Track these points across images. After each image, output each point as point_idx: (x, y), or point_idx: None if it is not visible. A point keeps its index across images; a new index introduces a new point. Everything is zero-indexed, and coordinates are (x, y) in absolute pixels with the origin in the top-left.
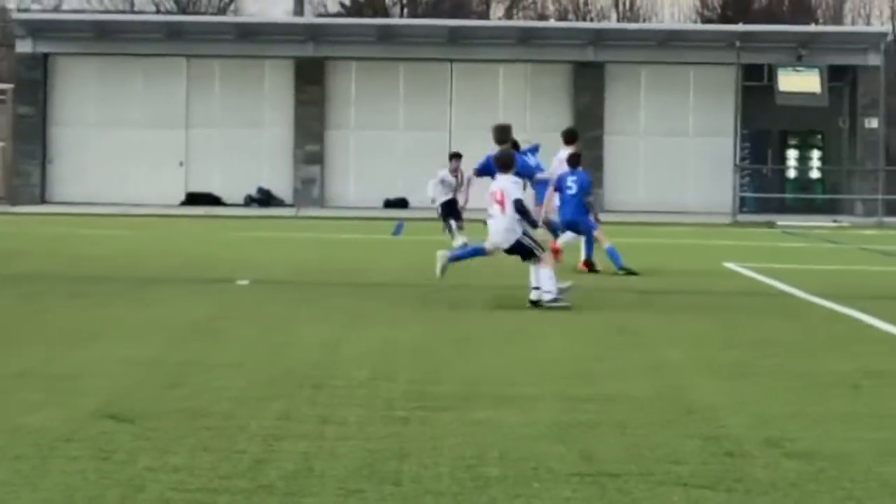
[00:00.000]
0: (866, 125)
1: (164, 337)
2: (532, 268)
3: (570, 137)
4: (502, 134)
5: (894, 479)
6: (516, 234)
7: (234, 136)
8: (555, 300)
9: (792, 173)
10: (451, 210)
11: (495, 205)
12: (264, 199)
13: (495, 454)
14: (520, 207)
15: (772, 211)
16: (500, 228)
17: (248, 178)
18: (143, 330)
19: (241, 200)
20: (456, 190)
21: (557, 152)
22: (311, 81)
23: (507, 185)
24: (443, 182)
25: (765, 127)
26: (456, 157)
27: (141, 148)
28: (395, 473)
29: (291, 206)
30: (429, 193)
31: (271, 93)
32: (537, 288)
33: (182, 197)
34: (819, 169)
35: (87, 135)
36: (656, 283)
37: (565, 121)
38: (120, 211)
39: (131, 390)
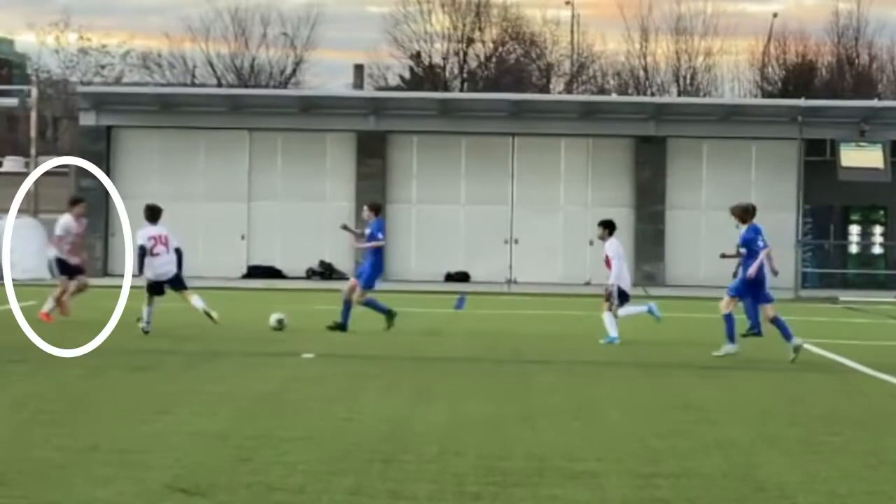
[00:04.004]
0: None
1: (232, 410)
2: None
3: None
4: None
5: None
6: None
7: (296, 209)
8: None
9: (854, 248)
10: None
11: (160, 245)
12: (326, 272)
13: None
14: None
15: (834, 286)
16: (167, 262)
17: (309, 252)
18: (210, 403)
19: (302, 273)
20: None
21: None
22: (372, 155)
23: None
24: None
25: (827, 202)
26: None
27: (203, 221)
28: None
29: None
30: None
31: (333, 166)
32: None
33: (244, 270)
34: (882, 244)
35: None
36: (719, 359)
37: (627, 195)
38: None
39: (201, 464)
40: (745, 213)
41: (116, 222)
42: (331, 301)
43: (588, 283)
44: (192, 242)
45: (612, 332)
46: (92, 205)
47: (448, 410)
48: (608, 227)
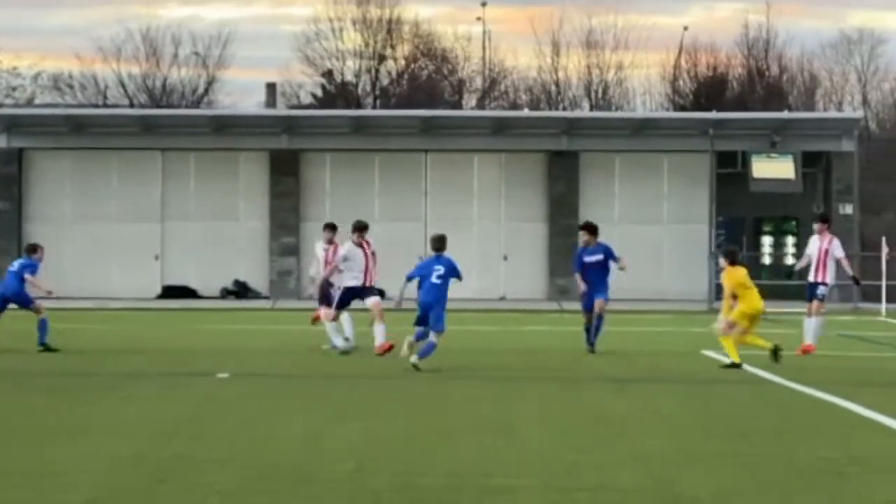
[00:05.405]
0: (840, 211)
1: (148, 432)
2: None
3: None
4: None
5: None
6: None
7: (210, 228)
8: None
9: (767, 259)
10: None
11: None
12: (240, 291)
13: None
14: None
15: None
16: None
17: (223, 271)
18: (126, 425)
19: (217, 293)
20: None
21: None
22: (285, 173)
23: None
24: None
25: (739, 213)
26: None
27: (116, 242)
28: None
29: (267, 298)
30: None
31: (246, 185)
32: None
33: (158, 290)
34: (794, 255)
35: (62, 230)
36: (634, 371)
37: (540, 209)
38: (96, 305)
39: (118, 487)
40: (441, 244)
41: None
42: (246, 320)
43: (503, 298)
44: (106, 263)
45: (336, 339)
46: (3, 227)
47: (364, 428)
48: (331, 228)
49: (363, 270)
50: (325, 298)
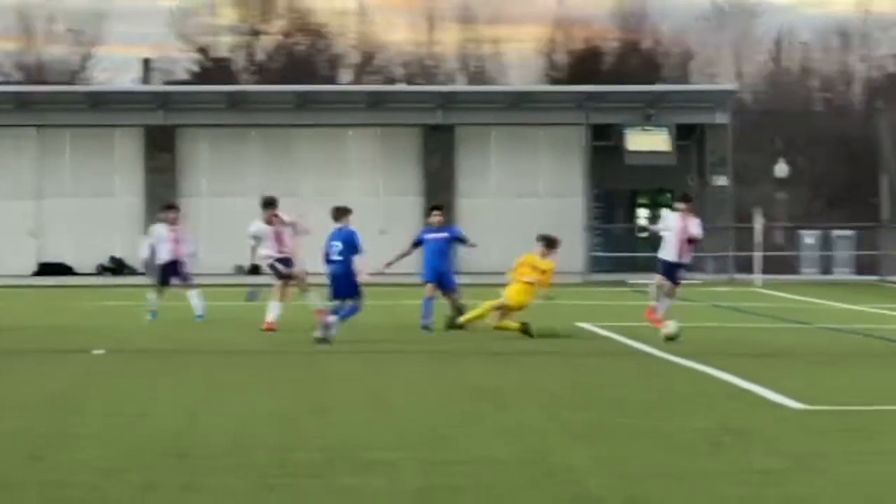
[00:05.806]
0: (715, 183)
1: (24, 409)
2: None
3: None
4: None
5: None
6: None
7: (86, 205)
8: None
9: (643, 233)
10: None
11: None
12: (117, 268)
13: None
14: None
15: (623, 270)
16: None
17: (100, 248)
18: (1, 402)
19: (93, 270)
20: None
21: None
22: (161, 149)
23: None
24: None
25: (615, 186)
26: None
27: None
28: None
29: (143, 274)
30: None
31: (122, 161)
32: None
33: (34, 267)
34: None
35: None
36: (509, 344)
37: (417, 184)
38: None
39: None
40: (338, 214)
41: None
42: (121, 297)
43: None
44: None
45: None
46: None
47: (240, 404)
48: (174, 209)
49: (280, 245)
50: (174, 274)
